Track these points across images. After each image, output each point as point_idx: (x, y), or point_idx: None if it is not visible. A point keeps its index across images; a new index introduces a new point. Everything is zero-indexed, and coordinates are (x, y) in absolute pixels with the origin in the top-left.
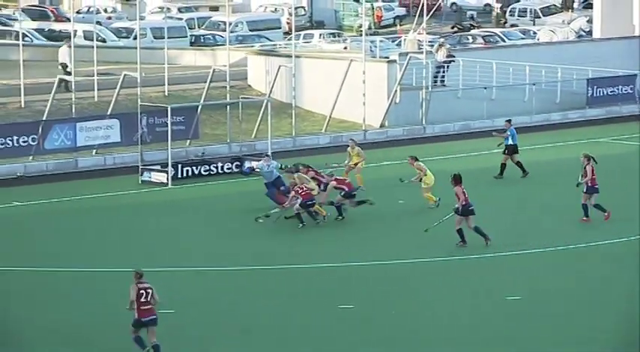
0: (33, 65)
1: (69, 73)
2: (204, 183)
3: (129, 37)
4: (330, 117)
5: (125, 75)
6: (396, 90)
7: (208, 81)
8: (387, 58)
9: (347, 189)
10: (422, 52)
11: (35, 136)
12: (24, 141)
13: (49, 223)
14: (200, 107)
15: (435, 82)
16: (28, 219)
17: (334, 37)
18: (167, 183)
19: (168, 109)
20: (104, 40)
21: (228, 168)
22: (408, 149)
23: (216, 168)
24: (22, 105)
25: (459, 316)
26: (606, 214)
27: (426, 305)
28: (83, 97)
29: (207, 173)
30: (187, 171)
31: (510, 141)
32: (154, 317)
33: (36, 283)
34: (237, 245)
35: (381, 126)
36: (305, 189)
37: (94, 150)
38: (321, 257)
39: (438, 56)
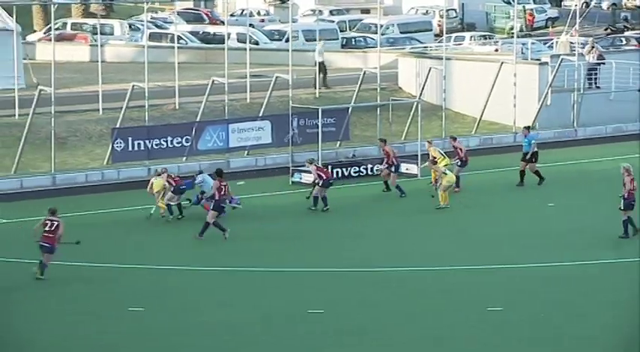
0: (187, 67)
1: (324, 70)
2: (354, 185)
3: (281, 40)
4: (480, 119)
5: (277, 77)
6: (547, 93)
7: (359, 83)
8: (539, 60)
9: (325, 178)
10: (574, 54)
11: (189, 137)
12: (178, 142)
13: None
14: (350, 109)
15: (589, 84)
16: (184, 219)
17: (485, 39)
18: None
19: (319, 111)
20: (257, 43)
21: (377, 170)
22: (560, 152)
23: (366, 169)
24: (177, 107)
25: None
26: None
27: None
28: (236, 99)
29: (357, 174)
30: (337, 172)
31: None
32: (47, 244)
33: (202, 281)
34: (403, 244)
35: (532, 128)
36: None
37: (246, 151)
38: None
39: (588, 58)
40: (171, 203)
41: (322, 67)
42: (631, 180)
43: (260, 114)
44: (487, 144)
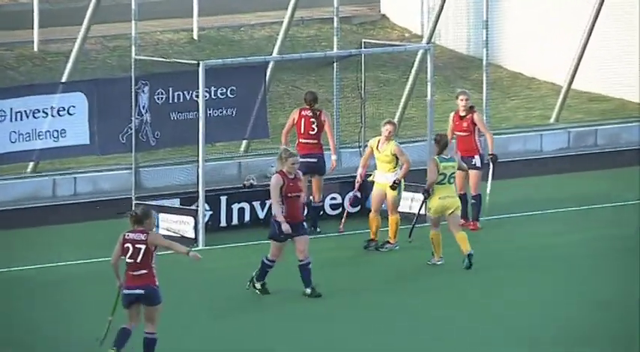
0: None
1: None
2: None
3: None
4: (567, 89)
5: None
6: None
7: (290, 8)
8: None
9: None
10: None
11: None
12: None
13: None
14: (271, 66)
15: None
16: None
17: None
18: (195, 240)
19: (200, 70)
20: None
21: (332, 205)
22: None
23: (306, 205)
24: None
25: None
26: None
27: None
28: (9, 43)
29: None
30: (241, 211)
31: None
32: (141, 291)
33: None
34: None
35: None
36: None
37: (31, 165)
38: None
39: None
40: None
41: None
42: None
43: (63, 80)
44: (583, 145)
